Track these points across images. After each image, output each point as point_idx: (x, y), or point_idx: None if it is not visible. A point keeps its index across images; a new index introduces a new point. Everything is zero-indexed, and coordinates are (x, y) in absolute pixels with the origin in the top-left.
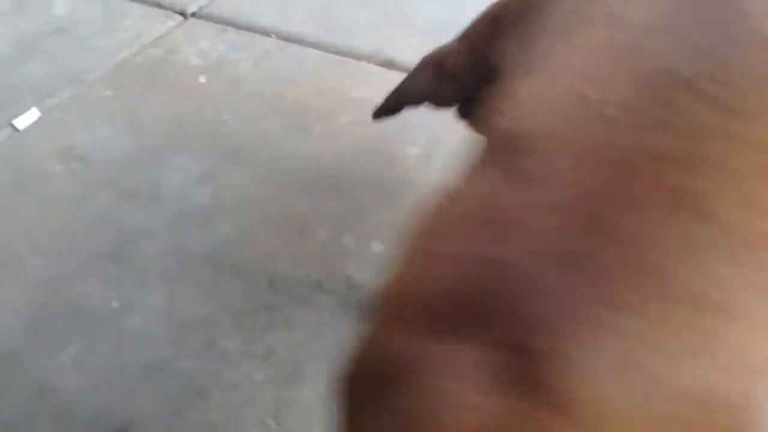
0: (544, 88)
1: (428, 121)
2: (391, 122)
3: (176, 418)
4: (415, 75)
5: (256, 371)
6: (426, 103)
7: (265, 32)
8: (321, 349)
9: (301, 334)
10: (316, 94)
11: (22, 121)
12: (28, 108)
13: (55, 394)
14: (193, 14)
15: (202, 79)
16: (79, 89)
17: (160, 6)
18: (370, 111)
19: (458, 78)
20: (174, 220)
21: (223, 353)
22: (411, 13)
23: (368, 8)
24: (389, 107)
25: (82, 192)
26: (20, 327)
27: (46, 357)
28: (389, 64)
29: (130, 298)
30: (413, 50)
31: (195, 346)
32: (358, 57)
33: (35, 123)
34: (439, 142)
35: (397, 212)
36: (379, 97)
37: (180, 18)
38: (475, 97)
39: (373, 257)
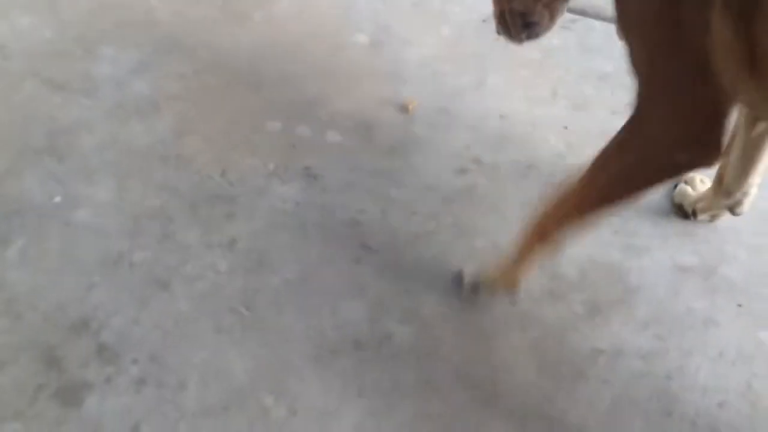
0: None
1: (375, 5)
2: (335, 7)
3: (140, 310)
4: None
5: (220, 261)
6: None
7: None
8: (286, 239)
9: (262, 223)
10: None
11: None
12: None
13: (5, 289)
14: None
15: None
16: None
17: None
18: None
19: None
20: (112, 111)
21: (182, 244)
22: None
23: None
24: None
25: (5, 84)
26: None
27: None
28: None
29: (74, 193)
30: None
31: (151, 238)
32: None
33: None
34: (389, 30)
35: (350, 102)
36: None
37: None
38: None
39: (329, 147)
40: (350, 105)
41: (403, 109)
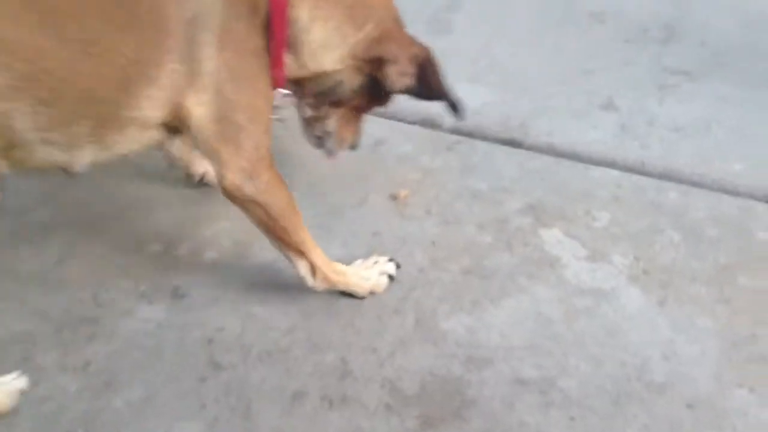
0: None
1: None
2: None
3: None
4: None
5: (71, 383)
6: None
7: None
8: (139, 359)
9: (120, 345)
10: None
11: None
12: None
13: None
14: None
15: None
16: None
17: None
18: None
19: None
20: (4, 239)
21: (39, 367)
22: None
23: None
24: None
25: None
26: None
27: None
28: None
29: None
30: None
31: (10, 363)
32: None
33: None
34: (284, 153)
35: (234, 221)
36: None
37: None
38: None
39: (204, 266)
40: (234, 223)
41: None
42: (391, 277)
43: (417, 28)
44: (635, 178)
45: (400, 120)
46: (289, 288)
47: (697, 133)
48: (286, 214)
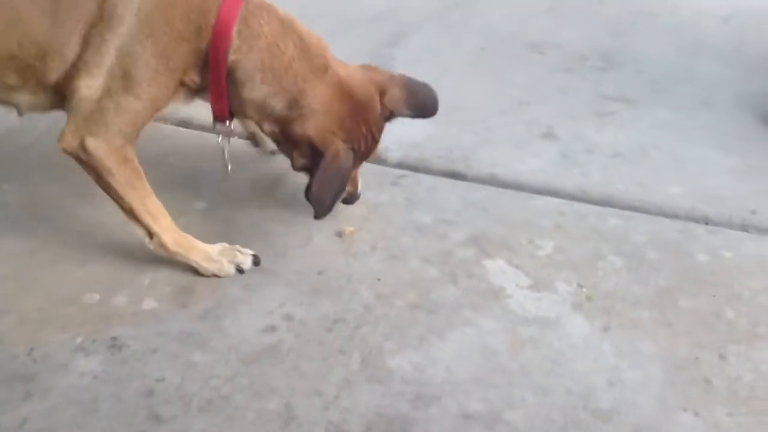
0: None
1: (216, 176)
2: (180, 177)
3: None
4: None
5: None
6: None
7: None
8: (75, 415)
9: (57, 401)
10: None
11: None
12: None
13: None
14: None
15: None
16: None
17: None
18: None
19: None
20: None
21: None
22: None
23: None
24: None
25: None
26: None
27: None
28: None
29: None
30: None
31: None
32: None
33: None
34: (227, 195)
35: (173, 268)
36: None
37: None
38: None
39: (142, 315)
40: (174, 271)
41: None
42: (240, 270)
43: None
44: (577, 205)
45: None
46: (231, 334)
47: (636, 159)
48: (119, 187)
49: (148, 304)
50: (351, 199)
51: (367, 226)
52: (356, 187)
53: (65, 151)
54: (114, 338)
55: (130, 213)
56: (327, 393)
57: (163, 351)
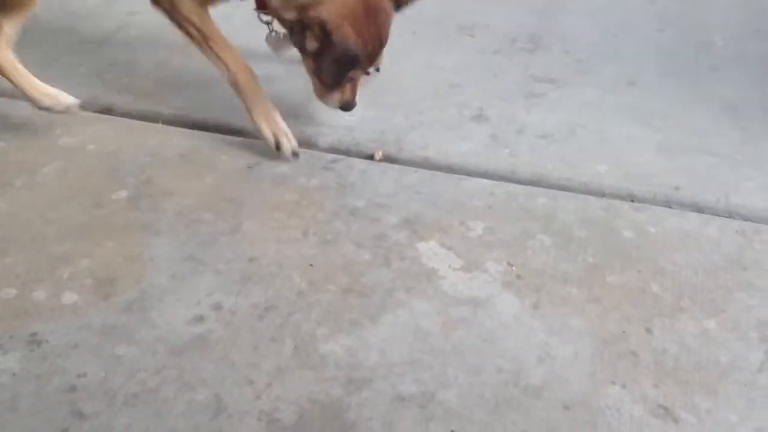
0: None
1: (141, 160)
2: (100, 165)
3: None
4: None
5: None
6: None
7: None
8: None
9: None
10: (21, 147)
11: None
12: None
13: None
14: None
15: None
16: None
17: None
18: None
19: None
20: None
21: None
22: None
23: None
24: None
25: None
26: None
27: None
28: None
29: None
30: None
31: None
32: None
33: None
34: (151, 182)
35: (95, 260)
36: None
37: None
38: None
39: (62, 309)
40: (94, 263)
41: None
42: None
43: None
44: (506, 186)
45: None
46: (157, 326)
47: (564, 139)
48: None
49: (69, 297)
50: (348, 107)
51: (299, 211)
52: (355, 95)
53: (157, 4)
54: (33, 334)
55: (210, 51)
56: (258, 382)
57: (85, 345)
